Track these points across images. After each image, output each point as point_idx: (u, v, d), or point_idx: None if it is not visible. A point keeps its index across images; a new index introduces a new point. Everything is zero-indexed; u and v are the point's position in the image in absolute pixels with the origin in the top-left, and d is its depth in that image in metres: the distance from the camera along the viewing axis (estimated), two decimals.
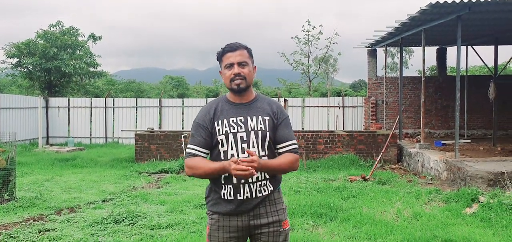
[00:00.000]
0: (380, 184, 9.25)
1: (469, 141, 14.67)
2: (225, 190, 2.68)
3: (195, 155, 2.70)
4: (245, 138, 2.66)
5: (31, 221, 6.42)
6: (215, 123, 2.69)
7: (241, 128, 2.67)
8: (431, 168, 10.46)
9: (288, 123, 2.80)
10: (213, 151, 2.73)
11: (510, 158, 10.03)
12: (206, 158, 2.73)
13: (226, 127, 2.67)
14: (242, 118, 2.69)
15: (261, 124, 2.69)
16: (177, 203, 7.45)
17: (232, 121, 2.68)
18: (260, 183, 2.67)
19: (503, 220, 6.14)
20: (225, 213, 2.70)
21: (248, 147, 2.65)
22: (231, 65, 2.67)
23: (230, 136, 2.66)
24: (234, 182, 2.65)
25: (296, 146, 2.78)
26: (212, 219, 2.75)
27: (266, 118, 2.71)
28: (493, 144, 13.44)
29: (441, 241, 5.26)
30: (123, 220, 6.26)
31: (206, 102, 18.57)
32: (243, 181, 2.64)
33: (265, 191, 2.70)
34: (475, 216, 6.45)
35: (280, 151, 2.77)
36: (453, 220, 6.37)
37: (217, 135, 2.67)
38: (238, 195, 2.66)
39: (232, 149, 2.66)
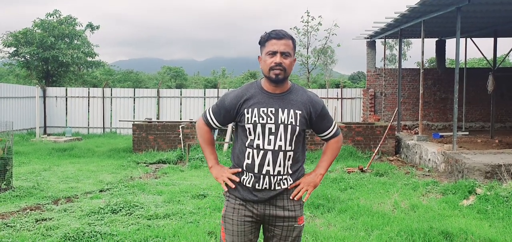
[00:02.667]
0: (377, 175, 9.26)
1: (467, 133, 14.69)
2: (245, 176, 2.67)
3: (208, 123, 2.83)
4: (273, 130, 2.61)
5: (28, 210, 6.41)
6: (245, 110, 2.64)
7: (271, 120, 2.62)
8: (429, 160, 10.47)
9: (325, 111, 2.80)
10: (240, 134, 2.71)
11: (508, 150, 10.04)
12: (217, 129, 2.89)
13: (255, 116, 2.62)
14: (273, 109, 2.63)
15: (292, 118, 2.64)
16: (174, 193, 7.44)
17: (263, 111, 2.62)
18: (281, 176, 2.64)
19: (500, 212, 6.16)
20: (242, 198, 2.69)
21: (276, 140, 2.61)
22: (274, 53, 2.59)
23: (258, 126, 2.61)
24: (255, 171, 2.63)
25: (336, 128, 2.88)
26: (228, 201, 2.74)
27: (298, 112, 2.66)
28: (491, 136, 13.46)
29: (438, 232, 5.26)
30: (120, 210, 6.25)
31: (204, 93, 18.59)
32: (264, 171, 2.62)
33: (284, 184, 2.68)
34: (472, 208, 6.46)
35: (323, 138, 2.87)
36: (450, 211, 6.38)
37: (245, 122, 2.63)
38: (257, 184, 2.64)
39: (258, 139, 2.62)
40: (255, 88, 2.70)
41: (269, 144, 2.61)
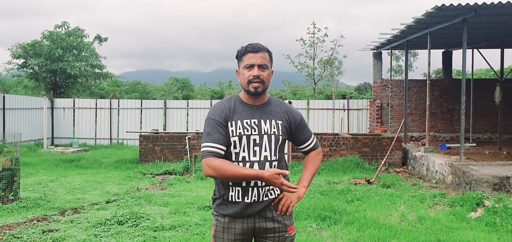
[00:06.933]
0: (384, 187, 9.21)
1: (475, 144, 14.58)
2: (233, 192, 2.65)
3: (216, 154, 2.55)
4: (257, 141, 2.63)
5: (35, 221, 6.44)
6: (229, 123, 2.64)
7: (255, 131, 2.64)
8: (436, 171, 10.40)
9: (303, 123, 2.83)
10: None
11: None
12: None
13: (239, 129, 2.63)
14: (256, 120, 2.66)
15: (274, 128, 2.67)
16: (180, 204, 7.45)
17: (246, 122, 2.64)
18: (268, 186, 2.64)
19: (508, 224, 6.10)
20: (231, 215, 2.67)
21: (261, 150, 2.63)
22: (251, 66, 2.62)
23: (244, 138, 2.62)
24: (243, 185, 2.62)
25: (315, 141, 2.89)
26: (217, 220, 2.73)
27: (280, 122, 2.70)
28: (499, 147, 13.35)
29: None
30: (127, 221, 6.26)
31: (211, 104, 18.63)
32: (252, 183, 2.62)
33: (271, 195, 2.68)
34: (480, 221, 6.40)
35: (302, 150, 2.88)
36: (458, 224, 6.32)
37: (230, 135, 2.63)
38: (246, 197, 2.63)
39: (244, 152, 2.63)
40: (235, 101, 2.71)
41: (254, 155, 2.63)
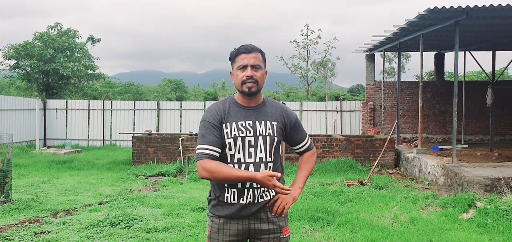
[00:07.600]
0: (377, 188, 9.25)
1: (467, 146, 14.69)
2: (228, 193, 2.65)
3: (210, 156, 2.57)
4: (252, 143, 2.64)
5: (27, 223, 6.40)
6: (224, 125, 2.64)
7: (250, 132, 2.64)
8: (429, 173, 10.46)
9: (298, 123, 2.85)
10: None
11: (507, 163, 10.03)
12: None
13: (234, 130, 2.63)
14: (250, 122, 2.66)
15: (269, 129, 2.68)
16: (173, 206, 7.43)
17: (241, 124, 2.65)
18: (263, 188, 2.65)
19: (500, 225, 6.15)
20: (226, 216, 2.68)
21: (256, 152, 2.64)
22: (244, 67, 2.63)
23: (239, 139, 2.63)
24: (238, 186, 2.63)
25: (310, 141, 2.92)
26: (212, 221, 2.73)
27: (274, 123, 2.71)
28: (490, 149, 13.46)
29: None
30: (119, 223, 6.24)
31: (205, 106, 18.61)
32: (247, 185, 2.62)
33: (266, 196, 2.69)
34: (472, 222, 6.45)
35: (297, 151, 2.90)
36: (450, 225, 6.37)
37: (225, 137, 2.63)
38: (241, 199, 2.64)
39: (239, 153, 2.63)
40: (229, 103, 2.71)
41: (250, 156, 2.63)
